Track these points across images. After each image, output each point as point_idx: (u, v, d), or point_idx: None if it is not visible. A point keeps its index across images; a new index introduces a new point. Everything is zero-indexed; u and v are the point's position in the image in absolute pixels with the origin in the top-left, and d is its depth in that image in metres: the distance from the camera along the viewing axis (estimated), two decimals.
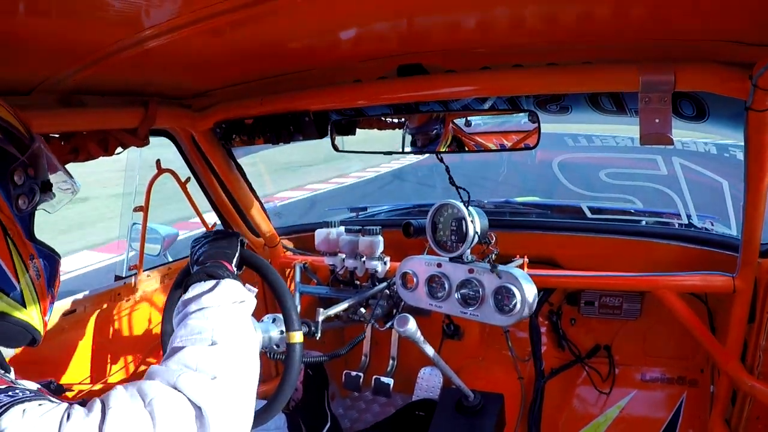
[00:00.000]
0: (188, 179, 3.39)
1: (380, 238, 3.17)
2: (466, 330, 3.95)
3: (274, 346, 2.33)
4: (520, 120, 2.73)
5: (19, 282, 1.37)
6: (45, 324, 1.52)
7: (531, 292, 2.59)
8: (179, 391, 1.27)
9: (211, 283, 1.75)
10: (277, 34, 1.91)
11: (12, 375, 1.39)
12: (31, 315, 1.41)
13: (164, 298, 2.53)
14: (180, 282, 2.41)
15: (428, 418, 3.09)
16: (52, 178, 1.61)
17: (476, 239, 2.74)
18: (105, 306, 3.06)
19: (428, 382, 3.74)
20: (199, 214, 3.51)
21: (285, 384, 2.11)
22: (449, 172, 2.73)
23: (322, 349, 3.16)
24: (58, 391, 1.78)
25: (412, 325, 2.58)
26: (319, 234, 3.34)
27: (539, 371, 3.80)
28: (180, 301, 1.73)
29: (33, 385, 1.37)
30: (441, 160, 2.76)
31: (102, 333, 3.04)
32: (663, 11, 1.70)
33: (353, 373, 3.43)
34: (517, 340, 3.82)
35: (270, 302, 3.96)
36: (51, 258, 1.53)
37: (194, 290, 1.73)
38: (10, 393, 1.14)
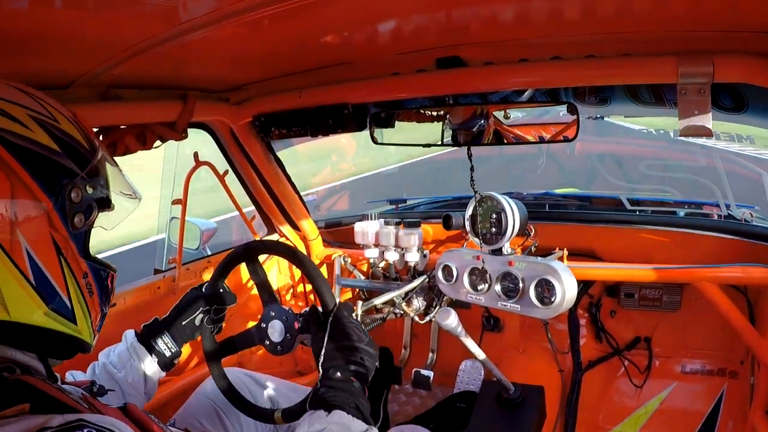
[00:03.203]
0: (226, 172, 3.39)
1: (420, 231, 3.19)
2: (506, 322, 3.95)
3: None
4: (559, 112, 2.72)
5: (71, 301, 1.32)
6: (96, 334, 1.48)
7: (571, 284, 2.58)
8: None
9: (360, 428, 1.68)
10: (314, 27, 1.92)
11: (59, 383, 1.40)
12: (81, 330, 1.37)
13: None
14: (222, 271, 2.39)
15: (469, 410, 3.08)
16: (112, 185, 1.53)
17: (516, 231, 2.74)
18: (145, 300, 3.08)
19: (469, 375, 3.73)
20: (238, 208, 3.51)
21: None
22: (473, 172, 2.71)
23: None
24: (100, 393, 1.79)
25: (453, 318, 2.58)
26: (359, 227, 3.36)
27: (577, 363, 3.79)
28: (318, 419, 1.66)
29: (77, 392, 1.39)
30: (470, 157, 2.75)
31: None
32: (701, 2, 1.69)
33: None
34: (556, 332, 3.80)
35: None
36: (105, 273, 1.47)
37: (340, 425, 1.66)
38: None
